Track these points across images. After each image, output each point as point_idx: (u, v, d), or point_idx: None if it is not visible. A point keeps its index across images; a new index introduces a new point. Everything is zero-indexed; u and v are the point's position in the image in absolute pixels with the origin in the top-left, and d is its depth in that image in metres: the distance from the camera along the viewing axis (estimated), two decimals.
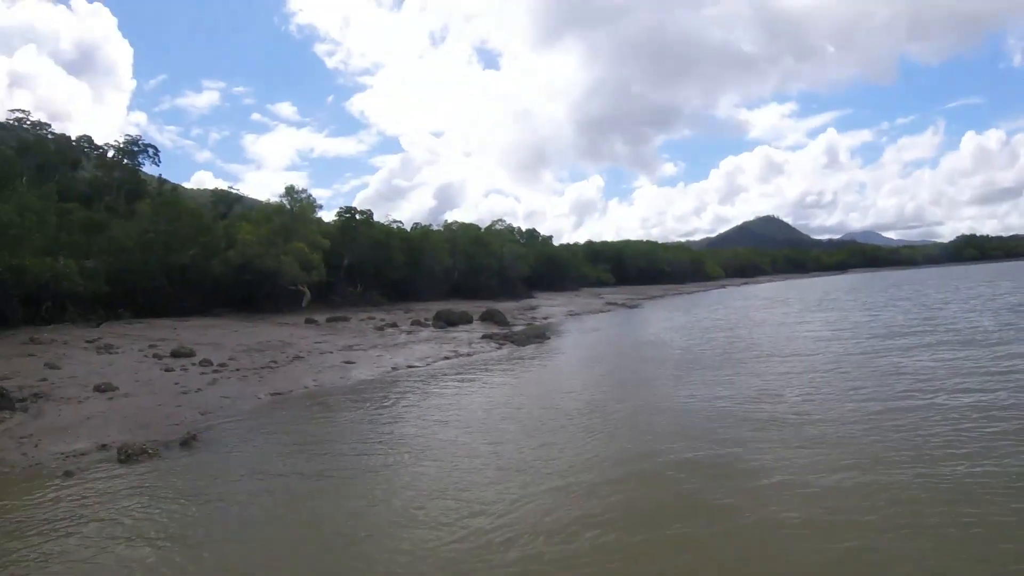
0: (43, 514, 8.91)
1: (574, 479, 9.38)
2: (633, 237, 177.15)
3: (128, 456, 11.29)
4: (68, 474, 10.63)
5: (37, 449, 11.94)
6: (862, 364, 17.63)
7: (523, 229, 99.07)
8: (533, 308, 56.54)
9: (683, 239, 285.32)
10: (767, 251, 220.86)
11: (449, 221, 78.42)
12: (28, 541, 8.00)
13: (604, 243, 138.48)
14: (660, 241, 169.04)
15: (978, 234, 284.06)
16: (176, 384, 18.01)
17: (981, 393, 12.81)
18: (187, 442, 12.31)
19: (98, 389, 16.52)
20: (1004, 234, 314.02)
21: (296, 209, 48.98)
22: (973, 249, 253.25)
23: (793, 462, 9.36)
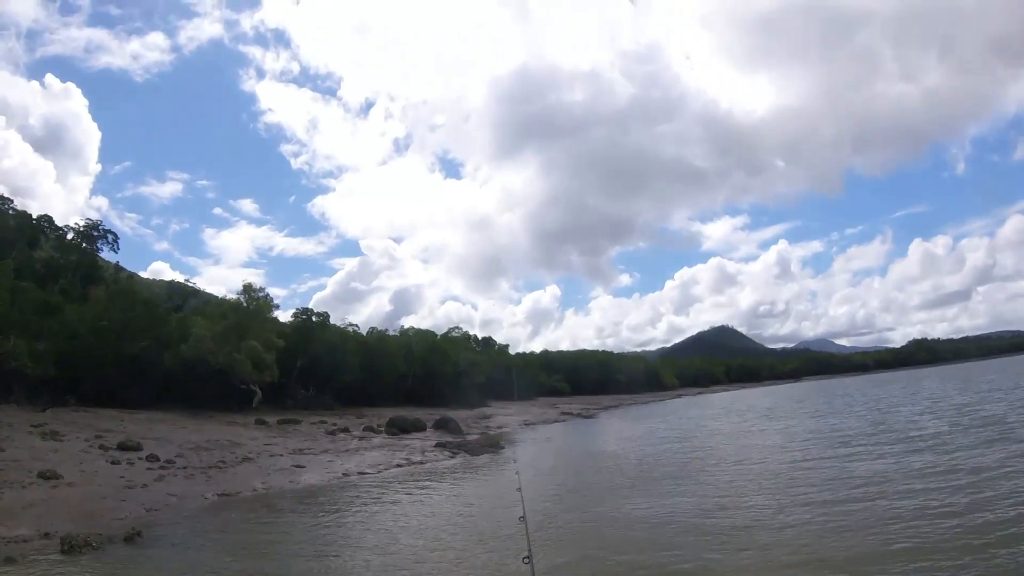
0: None
1: None
2: (588, 347, 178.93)
3: (71, 547, 11.18)
4: (9, 560, 10.49)
5: None
6: (809, 470, 17.56)
7: (479, 337, 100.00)
8: (488, 417, 56.33)
9: (638, 349, 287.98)
10: (721, 360, 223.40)
11: (406, 327, 78.70)
12: None
13: (560, 352, 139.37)
14: (616, 350, 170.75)
15: (929, 338, 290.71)
16: (121, 477, 17.76)
17: (925, 495, 12.84)
18: (131, 537, 12.20)
19: (42, 476, 16.25)
20: (954, 336, 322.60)
21: (252, 307, 48.84)
22: (924, 353, 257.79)
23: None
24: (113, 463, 19.53)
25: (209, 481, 18.86)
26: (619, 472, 21.13)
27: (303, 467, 22.94)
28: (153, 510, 14.99)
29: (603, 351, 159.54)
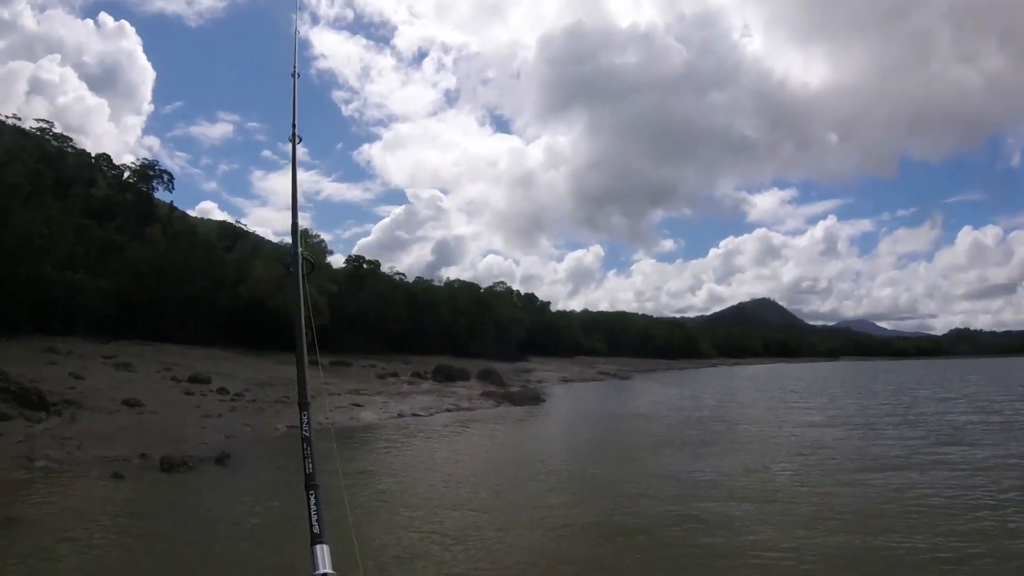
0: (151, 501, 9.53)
1: (558, 523, 9.76)
2: (628, 309, 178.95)
3: (171, 466, 11.91)
4: (117, 475, 11.22)
5: (80, 451, 12.53)
6: (837, 449, 17.43)
7: (522, 293, 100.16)
8: (528, 371, 57.06)
9: (677, 315, 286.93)
10: (760, 333, 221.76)
11: (450, 278, 79.43)
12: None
13: (600, 313, 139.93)
14: (654, 315, 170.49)
15: (971, 328, 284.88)
16: (198, 407, 18.65)
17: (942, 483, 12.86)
18: (221, 459, 12.90)
19: (126, 403, 17.13)
20: (997, 329, 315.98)
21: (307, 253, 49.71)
22: (965, 343, 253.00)
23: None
24: (187, 394, 20.48)
25: (277, 415, 19.63)
26: (647, 434, 21.04)
27: (361, 406, 23.74)
28: (232, 437, 15.74)
29: (642, 315, 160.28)
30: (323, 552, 1.76)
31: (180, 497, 10.46)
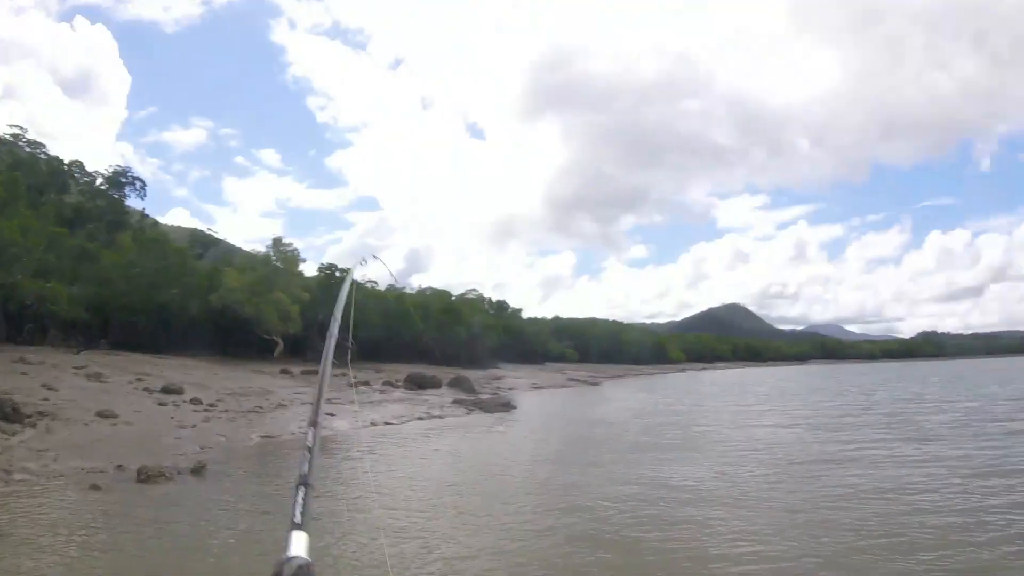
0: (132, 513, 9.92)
1: (527, 529, 10.29)
2: (599, 315, 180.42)
3: (148, 477, 12.27)
4: (95, 487, 11.57)
5: (57, 463, 12.86)
6: (797, 450, 18.11)
7: (493, 300, 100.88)
8: (499, 378, 57.65)
9: (648, 320, 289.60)
10: (728, 339, 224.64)
11: (421, 286, 79.75)
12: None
13: (571, 320, 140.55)
14: (625, 321, 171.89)
15: (938, 331, 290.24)
16: (172, 418, 18.94)
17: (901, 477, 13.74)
18: (198, 470, 13.29)
19: (100, 415, 17.37)
20: (964, 331, 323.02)
21: (281, 261, 49.93)
22: (932, 346, 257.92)
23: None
24: (161, 404, 20.72)
25: (251, 424, 20.01)
26: (616, 439, 21.79)
27: (333, 415, 23.99)
28: (207, 448, 16.08)
29: (613, 321, 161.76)
30: (299, 538, 1.63)
31: (158, 508, 10.82)
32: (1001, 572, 7.97)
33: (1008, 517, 10.09)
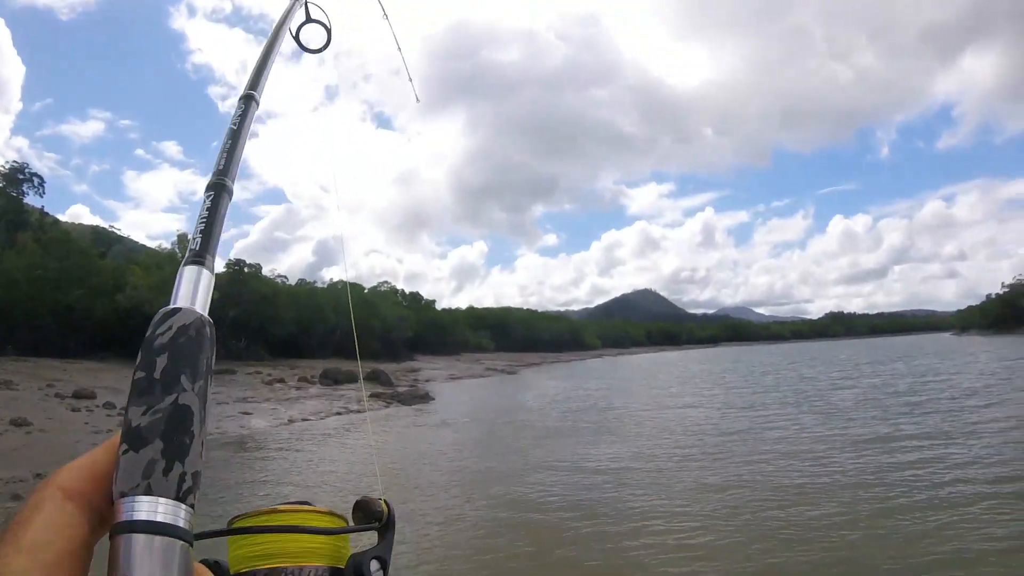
0: None
1: (452, 516, 11.22)
2: (513, 304, 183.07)
3: None
4: (16, 496, 12.35)
5: None
6: (709, 428, 19.50)
7: (406, 292, 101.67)
8: (416, 370, 58.64)
9: (562, 308, 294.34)
10: (643, 323, 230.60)
11: (333, 280, 79.71)
12: None
13: (486, 309, 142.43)
14: (539, 309, 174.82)
15: (845, 311, 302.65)
16: (86, 423, 19.52)
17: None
18: None
19: (14, 423, 17.87)
20: (869, 312, 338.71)
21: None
22: (839, 326, 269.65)
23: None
24: (74, 410, 21.17)
25: None
26: (535, 425, 23.10)
27: (250, 414, 24.90)
28: None
29: (527, 309, 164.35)
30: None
31: None
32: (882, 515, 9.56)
33: (895, 475, 11.90)
